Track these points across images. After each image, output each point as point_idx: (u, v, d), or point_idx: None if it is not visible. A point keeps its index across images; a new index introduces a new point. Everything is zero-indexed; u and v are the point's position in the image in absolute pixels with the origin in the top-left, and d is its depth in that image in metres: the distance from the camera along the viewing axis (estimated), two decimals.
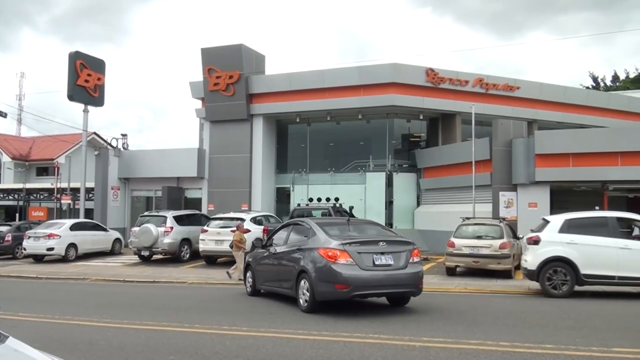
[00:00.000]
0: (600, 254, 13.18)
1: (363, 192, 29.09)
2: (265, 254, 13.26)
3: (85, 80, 29.58)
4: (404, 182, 29.44)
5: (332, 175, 30.10)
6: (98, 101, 30.60)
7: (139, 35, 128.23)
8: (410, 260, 11.09)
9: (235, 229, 18.45)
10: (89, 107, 30.25)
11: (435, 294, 14.54)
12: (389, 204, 29.09)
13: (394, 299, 11.99)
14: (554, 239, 13.58)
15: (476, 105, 24.04)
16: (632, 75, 52.44)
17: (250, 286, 13.89)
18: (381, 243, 11.11)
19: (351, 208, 24.48)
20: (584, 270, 13.20)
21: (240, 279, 15.95)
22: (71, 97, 29.26)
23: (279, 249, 12.68)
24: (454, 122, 28.86)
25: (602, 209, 21.13)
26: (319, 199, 24.58)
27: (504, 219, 19.62)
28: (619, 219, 13.78)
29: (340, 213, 22.70)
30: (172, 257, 22.82)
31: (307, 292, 11.02)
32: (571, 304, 12.54)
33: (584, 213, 15.43)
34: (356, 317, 10.59)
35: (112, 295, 15.00)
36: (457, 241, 17.75)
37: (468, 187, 23.11)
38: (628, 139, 21.37)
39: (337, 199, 24.27)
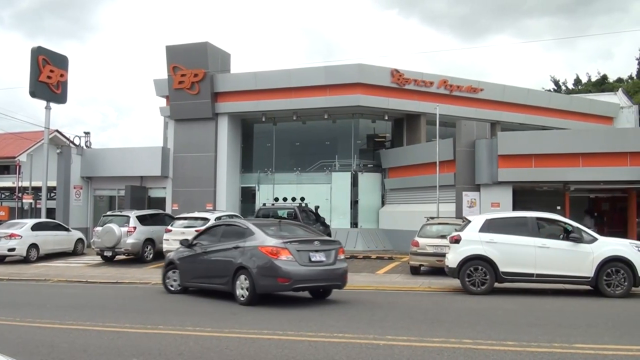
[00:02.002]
0: (519, 252, 13.68)
1: (329, 192, 29.14)
2: (193, 253, 13.77)
3: (48, 77, 29.07)
4: (369, 182, 29.58)
5: (298, 175, 30.08)
6: (61, 98, 30.11)
7: (104, 32, 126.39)
8: (338, 258, 12.50)
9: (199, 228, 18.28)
10: (52, 104, 29.74)
11: (400, 293, 14.69)
12: (354, 203, 29.20)
13: (317, 292, 13.09)
14: (473, 238, 14.03)
15: (440, 107, 24.28)
16: (593, 79, 53.44)
17: (179, 284, 14.11)
18: (316, 242, 12.52)
19: (317, 208, 24.50)
20: (503, 268, 13.68)
21: None
22: (33, 93, 28.72)
23: (210, 248, 13.34)
24: (418, 123, 29.09)
25: (563, 209, 21.60)
26: (285, 199, 24.54)
27: (466, 218, 19.84)
28: (539, 219, 14.23)
29: (306, 213, 22.71)
30: (136, 258, 22.56)
31: (247, 286, 11.95)
32: (536, 301, 12.78)
33: (505, 213, 15.99)
34: (321, 317, 10.62)
35: (75, 296, 14.77)
36: (421, 240, 17.93)
37: (432, 187, 23.34)
38: (589, 140, 21.79)
39: (302, 199, 24.29)
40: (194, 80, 28.85)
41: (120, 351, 7.95)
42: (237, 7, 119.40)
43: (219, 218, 21.83)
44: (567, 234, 13.89)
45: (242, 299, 12.07)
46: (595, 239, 13.62)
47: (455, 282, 14.49)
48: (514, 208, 21.16)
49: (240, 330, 9.20)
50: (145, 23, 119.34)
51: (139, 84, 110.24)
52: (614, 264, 13.21)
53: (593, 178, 21.35)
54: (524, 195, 22.59)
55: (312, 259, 12.00)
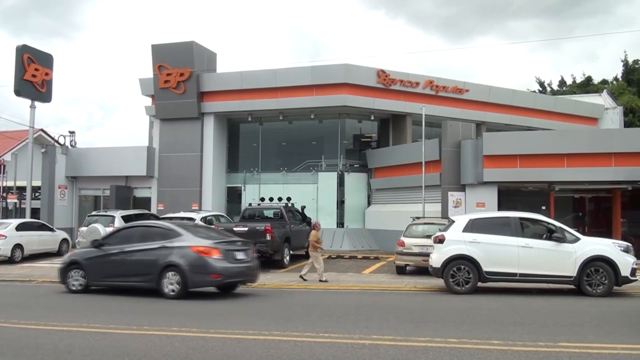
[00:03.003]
0: (502, 252, 13.84)
1: (315, 192, 29.16)
2: (105, 253, 14.38)
3: (33, 75, 28.82)
4: (355, 182, 29.62)
5: (284, 175, 30.07)
6: (45, 97, 29.87)
7: (90, 30, 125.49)
8: (252, 256, 14.32)
9: None
10: (36, 103, 29.49)
11: (385, 292, 14.72)
12: (341, 203, 29.23)
13: (224, 287, 14.21)
14: (457, 238, 14.20)
15: (426, 107, 24.39)
16: (578, 80, 53.72)
17: (80, 284, 14.58)
18: (238, 242, 14.42)
19: (303, 208, 24.49)
20: (486, 267, 13.87)
21: (321, 280, 16.32)
22: (18, 92, 28.46)
23: (128, 248, 14.04)
24: (404, 123, 29.17)
25: (548, 209, 21.72)
26: (271, 199, 24.52)
27: (451, 219, 19.91)
28: (522, 219, 14.38)
29: (292, 213, 22.68)
30: None
31: (178, 281, 13.12)
32: (520, 300, 12.87)
33: (488, 213, 16.14)
34: (307, 317, 10.63)
35: (59, 297, 14.65)
36: (407, 240, 17.99)
37: (418, 187, 23.40)
38: (574, 141, 21.93)
39: (289, 199, 24.26)
40: (179, 79, 28.75)
41: (105, 352, 7.91)
42: (223, 6, 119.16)
43: (204, 218, 21.85)
44: (549, 234, 14.01)
45: (172, 293, 13.11)
46: (578, 239, 13.77)
47: (441, 282, 14.56)
48: (499, 208, 21.26)
49: (226, 330, 9.19)
50: (131, 22, 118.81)
51: (124, 83, 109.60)
52: (596, 264, 13.36)
53: (578, 178, 21.49)
54: (509, 195, 22.69)
55: (236, 257, 13.64)
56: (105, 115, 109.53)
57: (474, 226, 14.29)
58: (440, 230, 15.23)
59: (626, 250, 13.70)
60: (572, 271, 13.45)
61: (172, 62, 28.90)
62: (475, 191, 22.51)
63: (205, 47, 30.00)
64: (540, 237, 14.15)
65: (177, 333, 9.06)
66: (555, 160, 21.57)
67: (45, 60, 29.87)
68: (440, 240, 14.33)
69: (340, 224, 29.01)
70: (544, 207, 21.75)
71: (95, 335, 9.02)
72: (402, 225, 19.65)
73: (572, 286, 13.83)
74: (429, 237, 17.55)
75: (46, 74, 29.63)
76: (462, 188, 22.79)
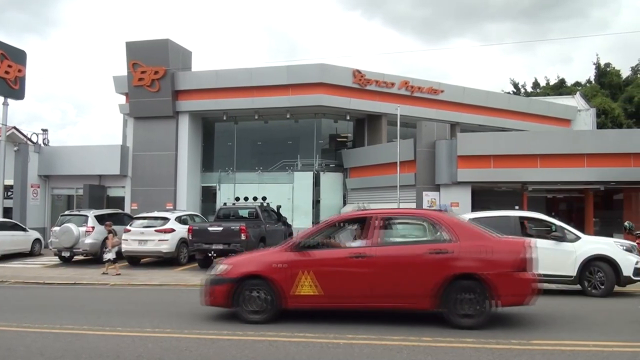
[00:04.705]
0: None
1: (291, 192, 29.15)
2: None
3: (6, 72, 28.30)
4: (330, 181, 29.68)
5: (260, 175, 30.01)
6: (18, 94, 29.32)
7: (65, 27, 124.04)
8: None
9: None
10: (9, 100, 28.98)
11: None
12: (316, 203, 29.26)
13: None
14: None
15: (401, 107, 24.57)
16: (552, 83, 54.38)
17: None
18: None
19: (279, 207, 24.46)
20: None
21: None
22: None
23: None
24: (379, 123, 29.30)
25: (521, 208, 21.94)
26: (246, 198, 24.42)
27: None
28: (522, 218, 14.34)
29: (267, 212, 22.63)
30: (94, 258, 22.21)
31: None
32: None
33: (487, 212, 16.12)
34: (282, 317, 10.60)
35: (32, 298, 14.49)
36: None
37: (393, 187, 23.52)
38: (547, 142, 22.22)
39: (264, 198, 24.21)
40: (154, 77, 28.53)
41: (78, 354, 7.83)
42: (199, 4, 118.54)
43: (179, 217, 21.72)
44: (549, 233, 13.94)
45: None
46: (578, 238, 13.66)
47: None
48: (473, 208, 21.45)
49: (200, 331, 9.15)
50: (107, 19, 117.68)
51: (99, 80, 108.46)
52: (596, 263, 13.25)
53: (551, 179, 21.79)
54: (482, 195, 22.91)
55: None
56: (79, 113, 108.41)
57: None
58: None
59: (629, 250, 13.60)
60: (572, 271, 13.31)
61: (146, 59, 28.68)
62: (450, 191, 22.70)
63: (181, 45, 29.82)
64: (539, 236, 14.09)
65: (151, 334, 8.99)
66: (529, 161, 21.84)
67: (18, 56, 29.37)
68: None
69: (316, 223, 29.00)
70: (517, 207, 21.98)
71: (68, 337, 8.94)
72: None
73: (577, 286, 13.66)
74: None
75: (19, 71, 29.16)
76: (436, 188, 22.97)
